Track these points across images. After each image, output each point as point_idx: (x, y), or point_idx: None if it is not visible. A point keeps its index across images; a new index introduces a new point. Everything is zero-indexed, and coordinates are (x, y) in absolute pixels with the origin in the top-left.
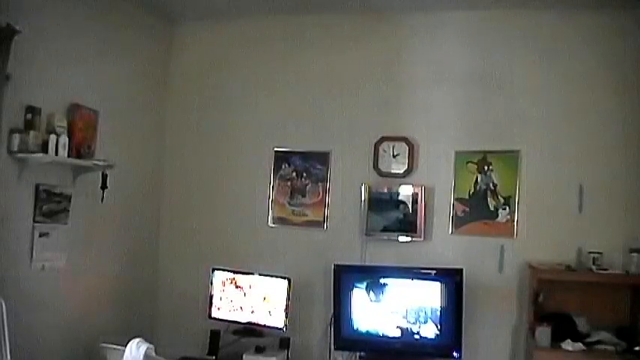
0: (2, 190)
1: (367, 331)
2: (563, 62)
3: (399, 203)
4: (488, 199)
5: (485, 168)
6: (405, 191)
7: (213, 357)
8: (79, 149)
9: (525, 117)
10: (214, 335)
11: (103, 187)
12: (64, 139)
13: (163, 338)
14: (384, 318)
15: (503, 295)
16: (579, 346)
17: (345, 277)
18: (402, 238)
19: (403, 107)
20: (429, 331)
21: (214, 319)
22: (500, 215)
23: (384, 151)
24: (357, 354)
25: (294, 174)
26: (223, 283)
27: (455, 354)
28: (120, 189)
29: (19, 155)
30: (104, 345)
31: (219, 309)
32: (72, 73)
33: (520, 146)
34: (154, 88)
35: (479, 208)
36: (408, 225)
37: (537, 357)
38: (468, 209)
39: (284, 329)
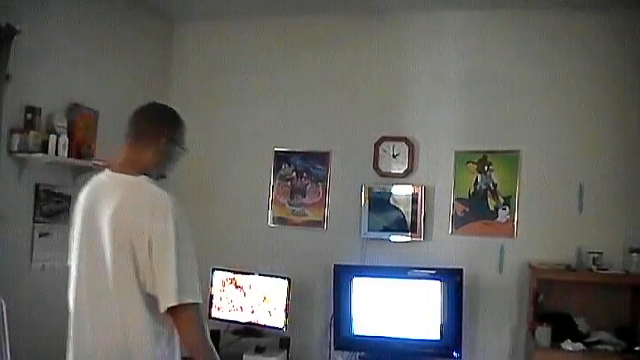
0: (2, 190)
1: (367, 332)
2: (563, 62)
3: (398, 203)
4: (488, 199)
5: (485, 168)
6: (405, 191)
7: None
8: (79, 149)
9: (525, 117)
10: (214, 335)
11: None
12: (64, 139)
13: None
14: (384, 318)
15: (504, 295)
16: (579, 346)
17: (344, 277)
18: (402, 238)
19: (403, 107)
20: (429, 331)
21: (214, 319)
22: (500, 215)
23: (384, 151)
24: (357, 354)
25: (294, 174)
26: (223, 283)
27: (455, 354)
28: None
29: (19, 155)
30: None
31: (219, 309)
32: (72, 73)
33: (520, 146)
34: (154, 88)
35: (479, 208)
36: (408, 225)
37: (537, 357)
38: (468, 209)
39: (284, 329)
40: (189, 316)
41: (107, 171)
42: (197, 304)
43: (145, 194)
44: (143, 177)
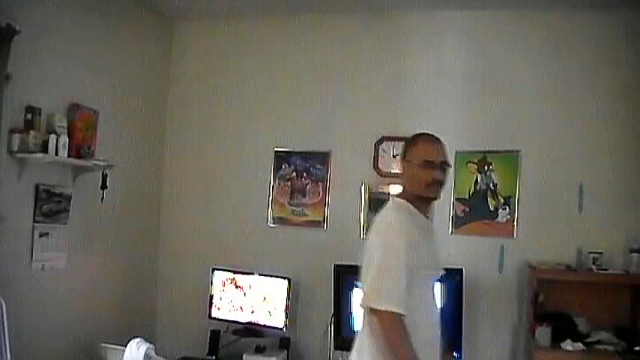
0: (2, 190)
1: None
2: (564, 62)
3: None
4: (488, 199)
5: (486, 168)
6: None
7: (213, 357)
8: (79, 149)
9: (525, 117)
10: (214, 335)
11: (103, 187)
12: (64, 139)
13: (163, 338)
14: None
15: (504, 295)
16: (579, 346)
17: (345, 277)
18: None
19: (403, 107)
20: None
21: (214, 319)
22: (500, 215)
23: (384, 151)
24: None
25: (294, 174)
26: (223, 283)
27: (455, 354)
28: (120, 189)
29: (19, 155)
30: (104, 345)
31: (219, 309)
32: (72, 73)
33: (520, 146)
34: (154, 88)
35: (479, 208)
36: None
37: (537, 357)
38: (468, 209)
39: (284, 329)
40: (380, 321)
41: None
42: (391, 312)
43: (380, 213)
44: (392, 199)
